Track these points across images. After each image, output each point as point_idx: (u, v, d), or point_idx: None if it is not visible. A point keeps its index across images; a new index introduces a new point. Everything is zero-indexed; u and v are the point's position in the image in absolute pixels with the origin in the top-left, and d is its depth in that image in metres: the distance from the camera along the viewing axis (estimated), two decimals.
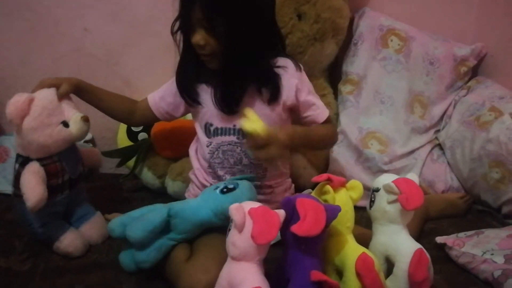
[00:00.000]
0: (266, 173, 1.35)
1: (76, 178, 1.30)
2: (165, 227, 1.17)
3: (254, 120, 1.14)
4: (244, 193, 1.17)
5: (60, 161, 1.25)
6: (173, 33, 1.28)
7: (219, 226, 1.19)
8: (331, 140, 1.41)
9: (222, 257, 1.04)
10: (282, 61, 1.29)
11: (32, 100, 1.18)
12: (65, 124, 1.24)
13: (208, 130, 1.35)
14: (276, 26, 1.34)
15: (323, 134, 1.34)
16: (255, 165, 1.33)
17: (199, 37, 1.21)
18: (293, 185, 1.47)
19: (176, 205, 1.20)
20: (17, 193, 1.22)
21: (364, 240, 1.15)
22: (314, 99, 1.34)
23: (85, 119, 1.26)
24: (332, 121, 1.39)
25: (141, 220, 1.16)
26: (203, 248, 1.19)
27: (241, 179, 1.24)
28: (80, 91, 1.32)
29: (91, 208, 1.39)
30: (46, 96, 1.22)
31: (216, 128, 1.33)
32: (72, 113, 1.25)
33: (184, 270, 1.12)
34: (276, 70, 1.27)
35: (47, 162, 1.23)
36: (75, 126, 1.24)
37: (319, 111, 1.34)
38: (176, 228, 1.18)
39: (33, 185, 1.17)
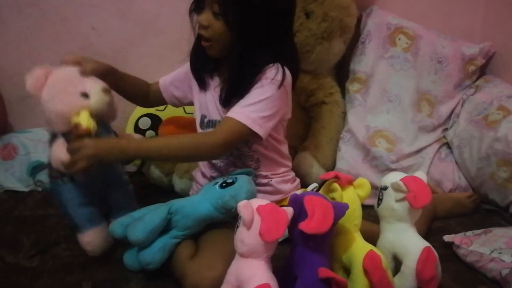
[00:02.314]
0: (259, 164, 1.34)
1: None
2: (167, 225, 1.18)
3: (83, 114, 1.15)
4: (242, 186, 1.17)
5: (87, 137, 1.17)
6: (190, 13, 1.29)
7: (222, 221, 1.20)
8: (194, 152, 1.23)
9: (227, 253, 1.05)
10: (267, 71, 1.24)
11: (49, 72, 1.20)
12: (85, 95, 1.20)
13: (202, 122, 1.37)
14: (289, 36, 1.32)
15: (176, 143, 1.22)
16: (246, 156, 1.33)
17: (203, 18, 1.22)
18: (298, 179, 1.46)
19: (176, 202, 1.21)
20: (52, 174, 1.23)
21: (371, 236, 1.15)
22: (239, 107, 1.23)
23: (105, 90, 1.22)
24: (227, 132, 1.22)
25: (141, 220, 1.16)
26: (207, 245, 1.19)
27: (239, 173, 1.24)
28: (107, 76, 1.29)
29: (133, 203, 1.35)
30: (66, 69, 1.23)
31: (209, 121, 1.35)
32: (95, 85, 1.22)
33: (189, 268, 1.12)
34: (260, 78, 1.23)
35: (71, 137, 1.17)
36: (94, 97, 1.20)
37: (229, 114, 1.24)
38: (178, 225, 1.18)
39: (60, 151, 1.15)
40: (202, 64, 1.35)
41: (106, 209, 1.31)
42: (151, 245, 1.16)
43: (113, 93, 1.31)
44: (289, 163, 1.44)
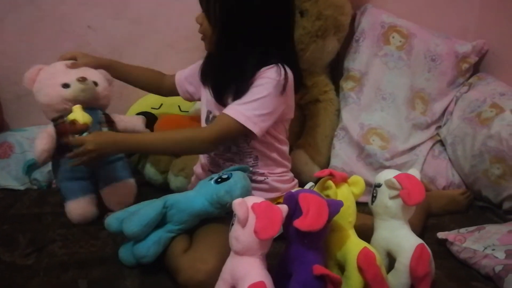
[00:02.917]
0: (257, 161, 1.35)
1: None
2: (162, 220, 1.19)
3: (76, 111, 1.24)
4: (237, 182, 1.18)
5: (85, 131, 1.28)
6: None
7: (217, 216, 1.21)
8: (185, 146, 1.28)
9: (220, 247, 1.08)
10: (266, 71, 1.25)
11: (41, 69, 1.42)
12: (67, 86, 1.38)
13: (208, 118, 1.39)
14: (286, 37, 1.33)
15: (168, 138, 1.28)
16: (245, 153, 1.34)
17: (198, 15, 1.29)
18: (296, 180, 1.46)
19: (171, 197, 1.22)
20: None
21: (366, 230, 1.16)
22: (237, 105, 1.25)
23: (80, 79, 1.37)
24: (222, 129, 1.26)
25: (136, 214, 1.17)
26: (201, 239, 1.20)
27: (235, 169, 1.25)
28: (107, 70, 1.48)
29: (122, 173, 1.47)
30: (54, 64, 1.44)
31: (214, 116, 1.37)
32: (73, 75, 1.39)
33: (182, 262, 1.13)
34: (257, 78, 1.25)
35: (57, 122, 1.39)
36: (72, 86, 1.38)
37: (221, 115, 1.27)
38: (173, 219, 1.20)
39: (39, 141, 1.37)
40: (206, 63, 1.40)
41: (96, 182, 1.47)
42: (146, 238, 1.17)
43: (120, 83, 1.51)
44: (288, 164, 1.44)
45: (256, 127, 1.24)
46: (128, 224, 1.16)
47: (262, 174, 1.36)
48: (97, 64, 1.45)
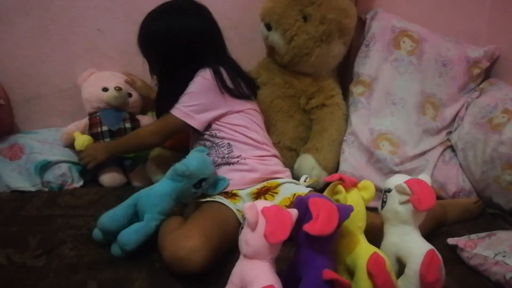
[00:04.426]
0: (231, 148, 1.47)
1: (116, 130, 1.75)
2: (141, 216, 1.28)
3: (76, 137, 1.68)
4: (192, 156, 1.33)
5: (100, 116, 1.75)
6: None
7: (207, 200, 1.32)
8: (138, 141, 1.60)
9: (205, 225, 1.19)
10: (198, 72, 1.46)
11: (93, 73, 1.81)
12: (105, 89, 1.75)
13: None
14: (199, 43, 1.48)
15: (128, 138, 1.64)
16: (216, 144, 1.47)
17: None
18: (288, 170, 1.53)
19: (138, 192, 1.32)
20: None
21: (374, 229, 1.16)
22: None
23: (117, 88, 1.74)
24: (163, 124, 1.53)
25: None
26: (189, 220, 1.26)
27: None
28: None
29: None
30: (103, 72, 1.82)
31: None
32: (113, 83, 1.75)
33: (167, 239, 1.17)
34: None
35: (91, 116, 1.77)
36: (109, 91, 1.74)
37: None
38: (146, 208, 1.27)
39: (69, 126, 1.76)
40: None
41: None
42: (128, 228, 1.25)
43: None
44: (271, 149, 1.52)
45: (188, 118, 1.45)
46: (103, 216, 1.29)
47: (238, 157, 1.45)
48: (147, 95, 1.82)
